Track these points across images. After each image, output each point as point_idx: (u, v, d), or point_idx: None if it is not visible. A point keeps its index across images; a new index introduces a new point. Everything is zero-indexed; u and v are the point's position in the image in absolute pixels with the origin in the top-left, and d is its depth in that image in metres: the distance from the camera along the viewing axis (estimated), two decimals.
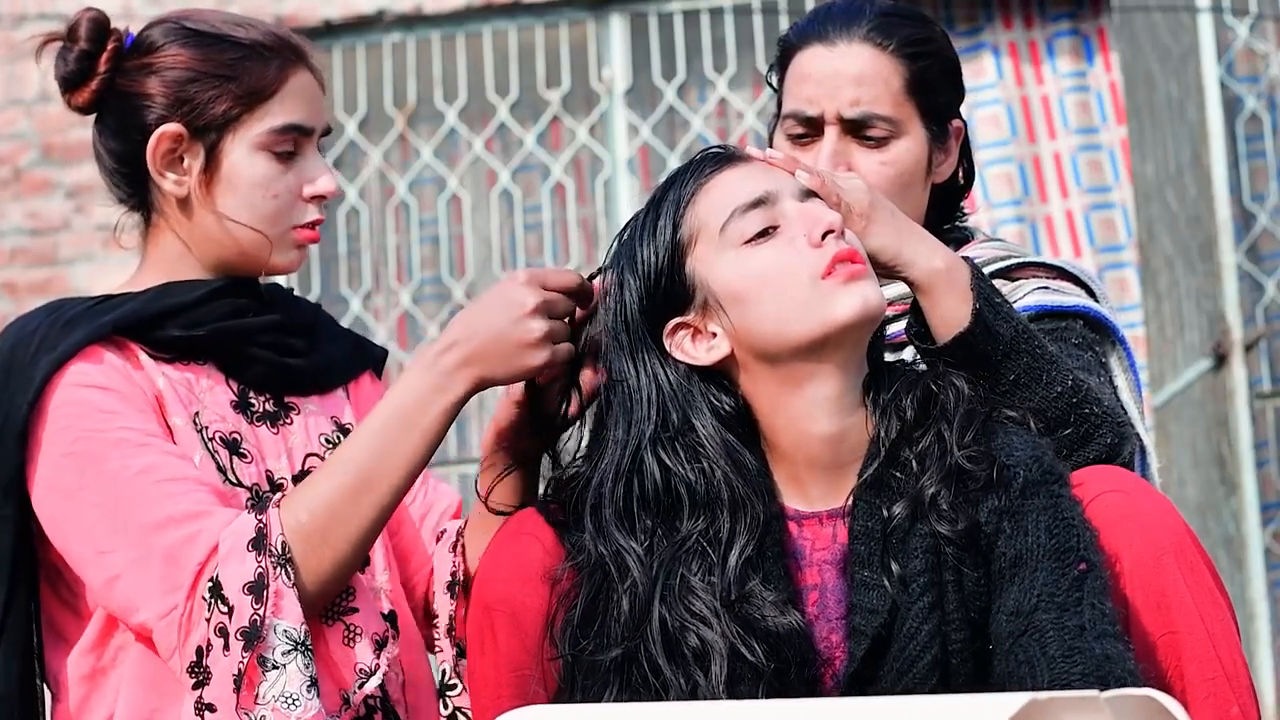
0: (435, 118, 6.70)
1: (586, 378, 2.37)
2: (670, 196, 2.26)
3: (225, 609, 2.22)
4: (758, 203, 2.22)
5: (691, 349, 2.24)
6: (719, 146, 2.32)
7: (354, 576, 2.35)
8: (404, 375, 2.32)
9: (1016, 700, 1.78)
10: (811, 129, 2.62)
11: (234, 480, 2.36)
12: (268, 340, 2.45)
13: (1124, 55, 6.47)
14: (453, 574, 2.48)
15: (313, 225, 2.45)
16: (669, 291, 2.24)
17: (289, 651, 2.22)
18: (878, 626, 2.17)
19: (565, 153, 6.65)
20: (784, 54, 2.69)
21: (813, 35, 2.64)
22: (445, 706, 2.44)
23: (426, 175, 6.72)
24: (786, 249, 2.21)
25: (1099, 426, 2.34)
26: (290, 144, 2.41)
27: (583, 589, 2.21)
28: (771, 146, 2.68)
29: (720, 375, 2.25)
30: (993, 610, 2.17)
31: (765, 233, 2.22)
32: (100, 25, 2.41)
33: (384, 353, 2.65)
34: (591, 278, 2.37)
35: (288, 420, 2.45)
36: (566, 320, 2.34)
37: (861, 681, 2.18)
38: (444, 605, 2.48)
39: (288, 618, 2.23)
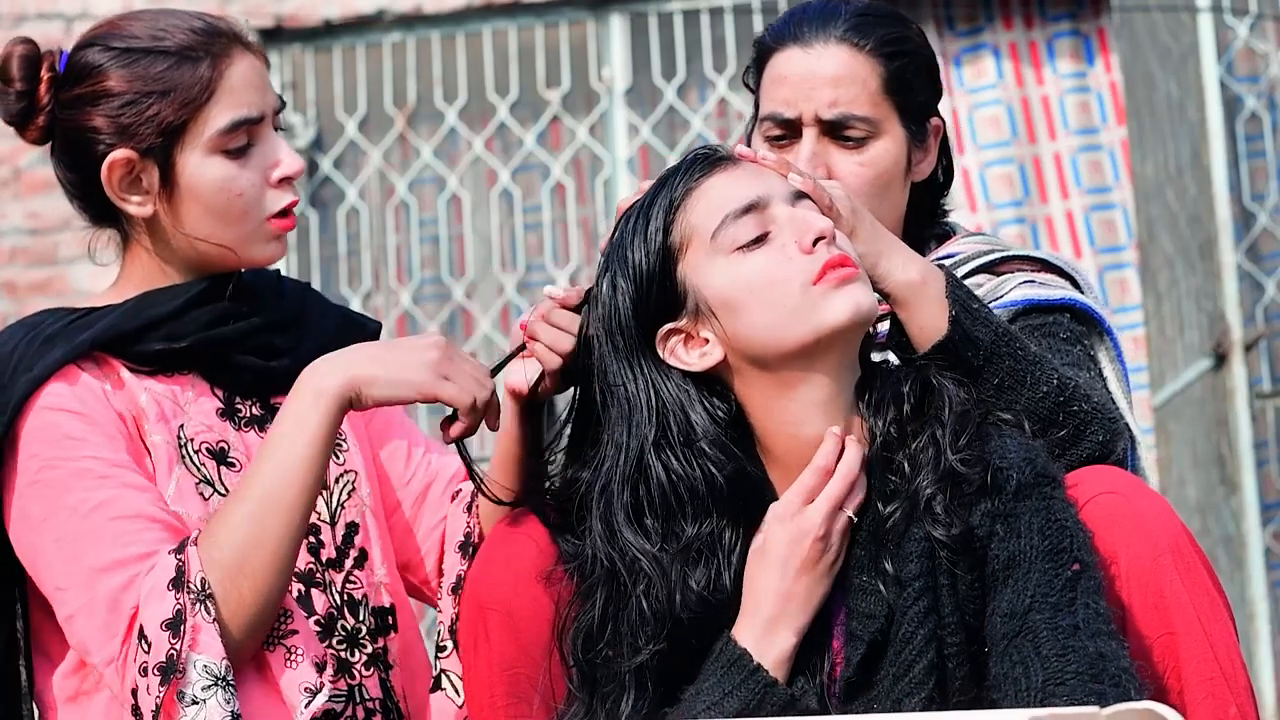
0: (435, 118, 6.70)
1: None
2: (661, 200, 2.25)
3: (146, 648, 2.21)
4: (749, 208, 2.21)
5: (684, 355, 2.24)
6: (709, 148, 2.31)
7: (287, 600, 2.34)
8: (291, 392, 2.32)
9: (1016, 717, 1.77)
10: (789, 131, 2.62)
11: (223, 491, 2.36)
12: (251, 345, 2.44)
13: (1124, 55, 6.46)
14: (466, 534, 2.47)
15: (287, 211, 2.42)
16: (661, 297, 2.23)
17: (209, 687, 2.20)
18: (874, 632, 2.17)
19: (565, 153, 6.65)
20: (759, 56, 2.68)
21: (788, 37, 2.63)
22: (434, 667, 2.42)
23: (426, 175, 6.72)
24: (778, 256, 2.20)
25: (1089, 424, 2.33)
26: (243, 138, 2.38)
27: (597, 594, 2.21)
28: (753, 142, 2.68)
29: (714, 380, 2.25)
30: (987, 612, 2.17)
31: (757, 239, 2.21)
32: (30, 60, 2.38)
33: (377, 326, 2.63)
34: (589, 291, 2.36)
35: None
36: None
37: (858, 686, 2.18)
38: (454, 564, 2.46)
39: (206, 652, 2.21)
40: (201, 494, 2.35)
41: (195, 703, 2.20)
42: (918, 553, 2.17)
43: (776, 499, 2.23)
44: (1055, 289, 2.57)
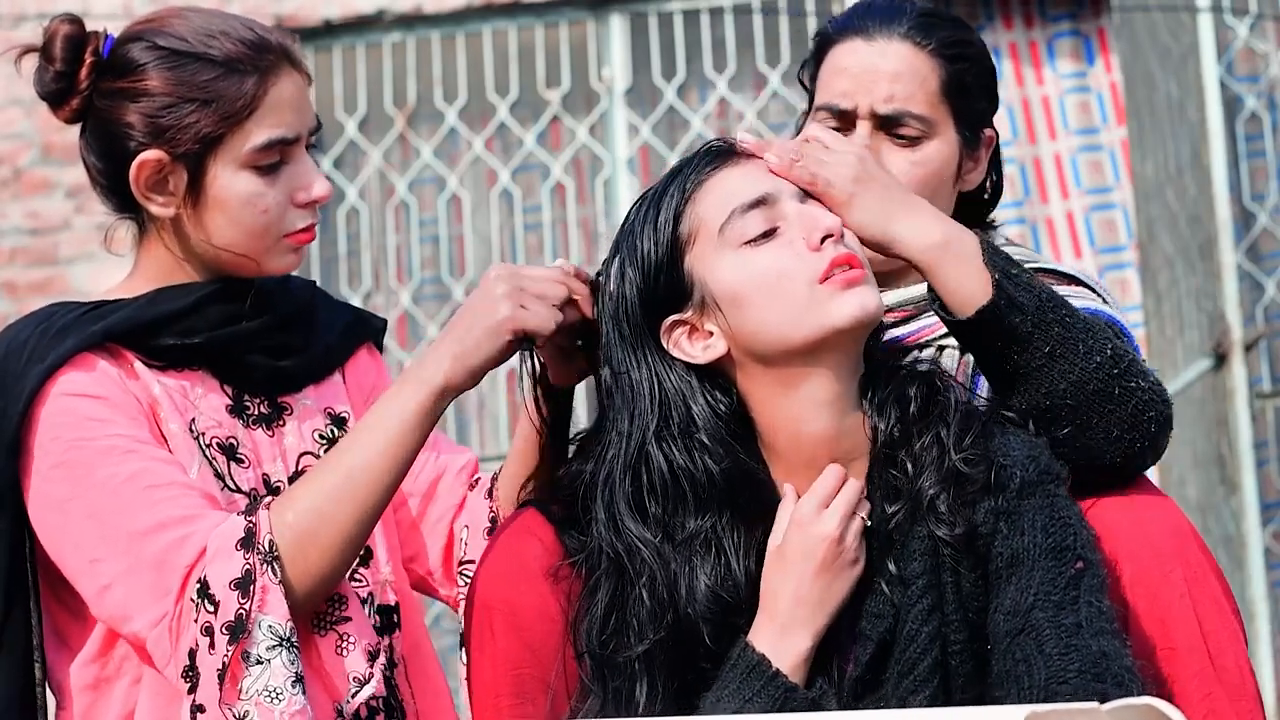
0: (435, 118, 6.70)
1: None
2: (671, 190, 2.25)
3: (212, 607, 2.21)
4: (757, 203, 2.21)
5: (688, 347, 2.24)
6: (722, 140, 2.30)
7: (345, 586, 2.35)
8: (396, 379, 2.32)
9: (1016, 713, 1.78)
10: (844, 123, 2.59)
11: (233, 486, 2.36)
12: (262, 344, 2.44)
13: (1124, 55, 6.47)
14: (492, 519, 2.49)
15: (307, 228, 2.42)
16: (668, 287, 2.23)
17: (274, 647, 2.21)
18: (883, 631, 2.17)
19: (565, 153, 6.65)
20: (820, 47, 2.66)
21: (852, 29, 2.61)
22: (465, 657, 2.42)
23: (426, 175, 6.72)
24: (785, 252, 2.20)
25: (1147, 405, 2.26)
26: (275, 156, 2.37)
27: (602, 586, 2.21)
28: (808, 130, 2.64)
29: (717, 373, 2.25)
30: (990, 609, 2.17)
31: (765, 234, 2.21)
32: (74, 41, 2.37)
33: (383, 323, 2.62)
34: (598, 276, 2.36)
35: (281, 422, 2.44)
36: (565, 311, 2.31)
37: (866, 685, 2.18)
38: (479, 548, 2.46)
39: (273, 613, 2.22)
40: (217, 485, 2.35)
41: (260, 663, 2.21)
42: (921, 551, 2.17)
43: (777, 495, 2.24)
44: (1082, 300, 2.50)
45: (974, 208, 2.69)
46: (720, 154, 2.27)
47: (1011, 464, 2.19)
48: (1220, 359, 6.23)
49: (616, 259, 2.27)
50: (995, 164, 2.70)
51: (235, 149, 2.35)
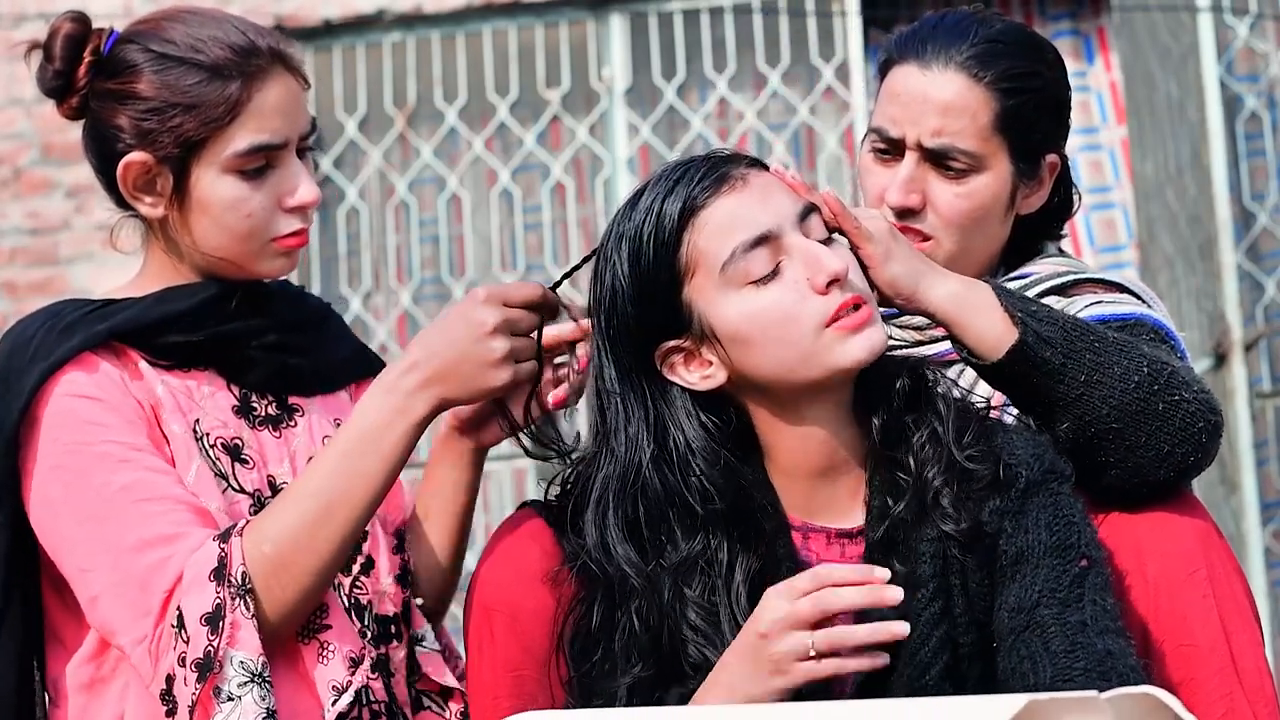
0: (435, 117, 6.70)
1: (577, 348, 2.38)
2: (668, 210, 2.18)
3: (186, 640, 2.22)
4: (760, 240, 2.16)
5: (685, 373, 2.20)
6: (720, 156, 2.23)
7: (329, 593, 2.34)
8: (365, 398, 2.31)
9: (1017, 702, 1.78)
10: (893, 148, 2.55)
11: (236, 487, 2.36)
12: (268, 341, 2.43)
13: (1124, 55, 6.47)
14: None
15: (296, 233, 2.41)
16: (664, 313, 2.19)
17: (245, 683, 2.21)
18: None
19: (565, 152, 6.65)
20: (884, 63, 2.61)
21: (910, 52, 2.56)
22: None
23: (426, 175, 6.73)
24: (790, 294, 2.15)
25: (1195, 416, 2.23)
26: (260, 160, 2.36)
27: (594, 609, 2.20)
28: (863, 147, 2.62)
29: (713, 393, 2.21)
30: (995, 608, 2.16)
31: (768, 274, 2.16)
32: (74, 40, 2.37)
33: (383, 366, 2.61)
34: (573, 271, 2.34)
35: (291, 423, 2.44)
36: (532, 334, 2.33)
37: (872, 690, 2.16)
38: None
39: (244, 649, 2.22)
40: (218, 486, 2.35)
41: (231, 699, 2.21)
42: (930, 553, 2.16)
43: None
44: (1126, 305, 2.48)
45: (1040, 224, 2.64)
46: (719, 171, 2.20)
47: (1016, 463, 2.18)
48: (1220, 359, 6.23)
49: (608, 271, 2.21)
50: (1065, 180, 2.64)
51: (218, 153, 2.35)
